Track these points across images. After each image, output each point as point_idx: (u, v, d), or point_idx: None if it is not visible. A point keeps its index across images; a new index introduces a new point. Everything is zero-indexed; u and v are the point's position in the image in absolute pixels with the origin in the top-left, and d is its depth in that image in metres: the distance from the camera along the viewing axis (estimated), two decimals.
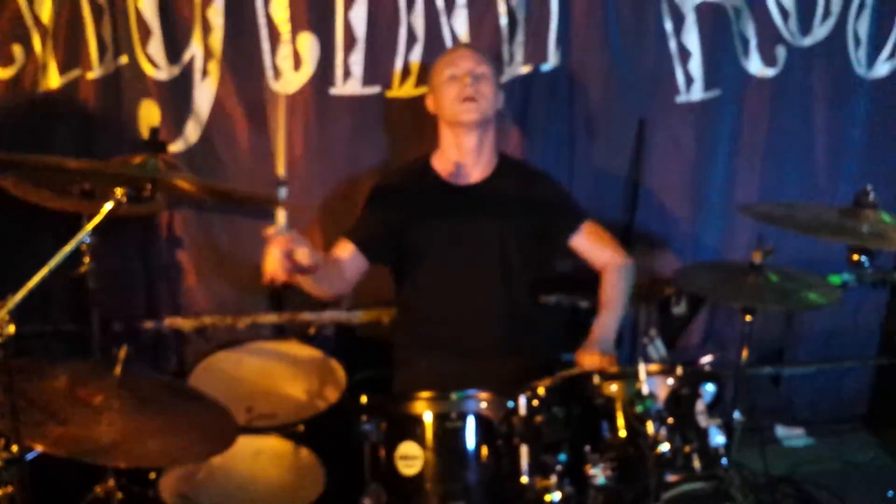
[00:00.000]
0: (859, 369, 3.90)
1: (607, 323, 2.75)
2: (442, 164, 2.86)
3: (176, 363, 3.23)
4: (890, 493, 3.16)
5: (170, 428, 2.12)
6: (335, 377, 2.93)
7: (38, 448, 1.96)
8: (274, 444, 2.67)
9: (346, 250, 2.75)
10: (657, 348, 2.49)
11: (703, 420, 2.29)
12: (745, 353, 2.69)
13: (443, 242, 2.79)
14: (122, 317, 3.14)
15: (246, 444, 2.65)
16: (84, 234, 1.87)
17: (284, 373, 2.99)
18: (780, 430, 3.81)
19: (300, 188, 3.04)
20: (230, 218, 3.16)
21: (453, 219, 2.79)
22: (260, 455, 2.66)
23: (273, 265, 2.33)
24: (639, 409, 2.17)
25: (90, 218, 1.91)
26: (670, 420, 2.20)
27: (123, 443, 2.00)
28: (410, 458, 2.12)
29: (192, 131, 3.05)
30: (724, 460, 2.30)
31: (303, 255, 2.34)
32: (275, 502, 2.51)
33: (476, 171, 2.83)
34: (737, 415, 2.66)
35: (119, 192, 1.80)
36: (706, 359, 2.41)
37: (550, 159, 3.27)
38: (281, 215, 2.28)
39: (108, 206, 1.81)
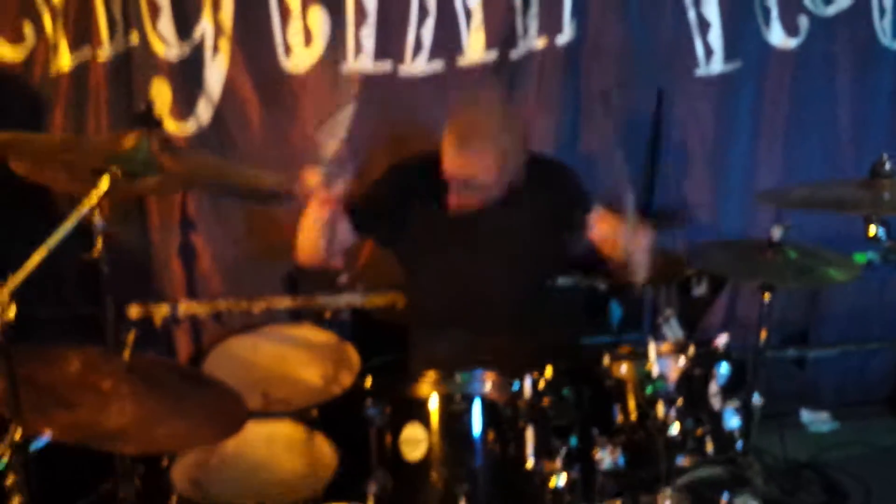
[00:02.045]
0: (885, 351, 3.82)
1: None
2: None
3: (192, 348, 3.23)
4: None
5: (179, 413, 2.10)
6: (349, 362, 2.91)
7: (46, 434, 1.96)
8: (287, 430, 2.67)
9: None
10: (672, 328, 2.44)
11: (716, 402, 2.25)
12: (763, 334, 2.64)
13: (449, 232, 2.72)
14: (138, 301, 3.14)
15: (259, 430, 2.65)
16: (82, 212, 1.82)
17: (299, 357, 2.98)
18: (805, 415, 3.74)
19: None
20: (245, 200, 3.14)
21: (462, 213, 2.70)
22: (273, 440, 2.66)
23: (312, 239, 2.32)
24: (648, 390, 2.13)
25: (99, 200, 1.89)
26: (680, 401, 2.16)
27: (132, 428, 1.99)
28: (415, 441, 2.10)
29: (204, 111, 3.03)
30: (739, 444, 2.26)
31: (343, 230, 2.33)
32: (287, 487, 2.49)
33: None
34: (756, 398, 2.61)
35: (115, 169, 1.77)
36: (721, 339, 2.36)
37: (566, 134, 3.22)
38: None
39: (104, 184, 1.77)
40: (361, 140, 3.11)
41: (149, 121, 1.97)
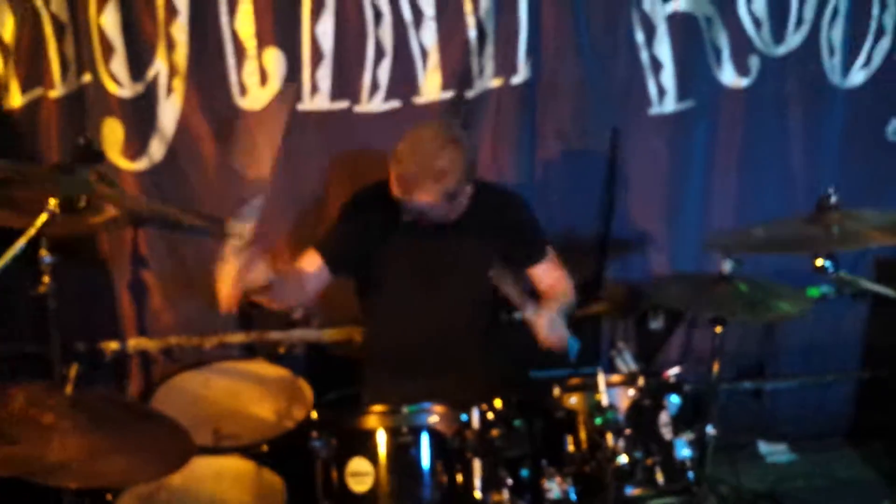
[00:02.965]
0: (842, 383, 3.84)
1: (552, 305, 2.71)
2: None
3: (142, 383, 3.18)
4: None
5: (122, 447, 2.07)
6: (303, 396, 2.88)
7: None
8: (236, 465, 2.63)
9: (313, 262, 2.69)
10: (625, 360, 2.44)
11: (667, 432, 2.24)
12: (716, 367, 2.65)
13: (407, 267, 2.73)
14: (85, 337, 3.09)
15: (208, 465, 2.61)
16: (17, 248, 1.81)
17: (252, 393, 2.95)
18: (763, 446, 3.75)
19: (268, 204, 2.99)
20: (196, 237, 3.12)
21: (420, 246, 2.72)
22: (222, 476, 2.62)
23: (227, 288, 2.29)
24: (598, 421, 2.12)
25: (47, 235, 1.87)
26: (628, 431, 2.15)
27: (73, 463, 1.95)
28: (361, 474, 2.07)
29: (157, 149, 3.02)
30: (690, 474, 2.24)
31: (260, 273, 2.30)
32: None
33: None
34: (709, 429, 2.61)
35: (52, 202, 1.75)
36: (673, 370, 2.36)
37: (523, 172, 3.24)
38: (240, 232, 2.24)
39: (42, 218, 1.76)
40: (317, 177, 3.12)
41: (89, 155, 1.95)
